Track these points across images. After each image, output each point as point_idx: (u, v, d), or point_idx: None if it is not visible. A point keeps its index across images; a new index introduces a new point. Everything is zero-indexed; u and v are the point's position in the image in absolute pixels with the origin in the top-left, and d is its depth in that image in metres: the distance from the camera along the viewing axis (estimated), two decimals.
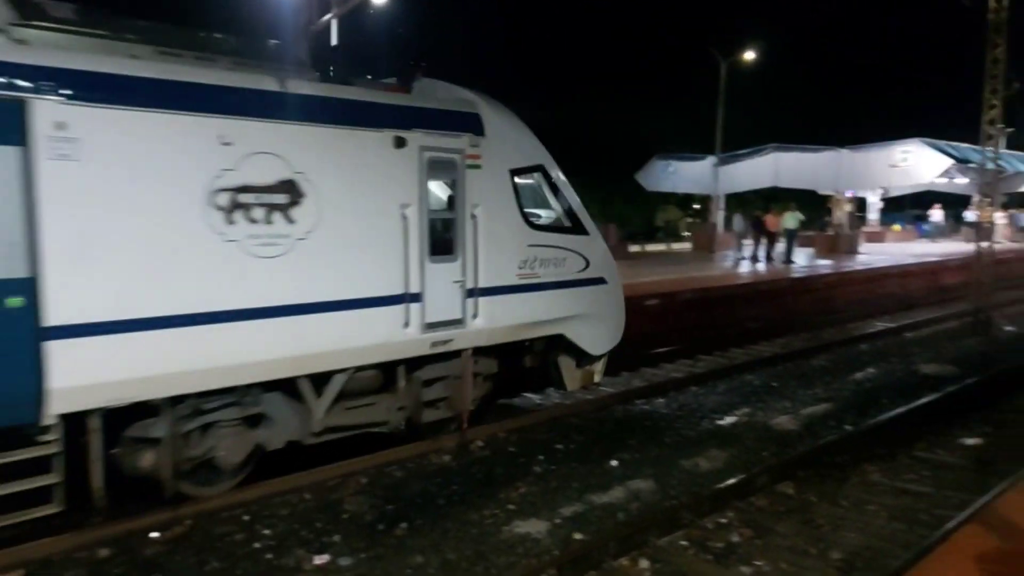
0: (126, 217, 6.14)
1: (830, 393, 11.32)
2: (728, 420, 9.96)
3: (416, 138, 7.92)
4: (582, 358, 9.84)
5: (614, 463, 8.43)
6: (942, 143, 36.61)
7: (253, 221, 6.79)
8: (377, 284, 7.68)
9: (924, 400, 10.42)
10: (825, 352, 14.33)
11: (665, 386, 11.55)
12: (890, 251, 29.63)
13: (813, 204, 37.21)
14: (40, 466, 6.03)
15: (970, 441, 9.01)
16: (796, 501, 7.40)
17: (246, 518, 7.02)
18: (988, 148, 17.57)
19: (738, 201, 37.16)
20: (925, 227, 40.78)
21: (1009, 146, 27.87)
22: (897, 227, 41.52)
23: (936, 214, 40.92)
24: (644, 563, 6.24)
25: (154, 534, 6.61)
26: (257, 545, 6.53)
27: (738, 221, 27.29)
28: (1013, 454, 8.29)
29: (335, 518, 7.10)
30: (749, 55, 34.52)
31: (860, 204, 37.06)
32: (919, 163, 39.13)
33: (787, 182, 33.31)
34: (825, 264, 23.98)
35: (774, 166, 33.26)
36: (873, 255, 27.36)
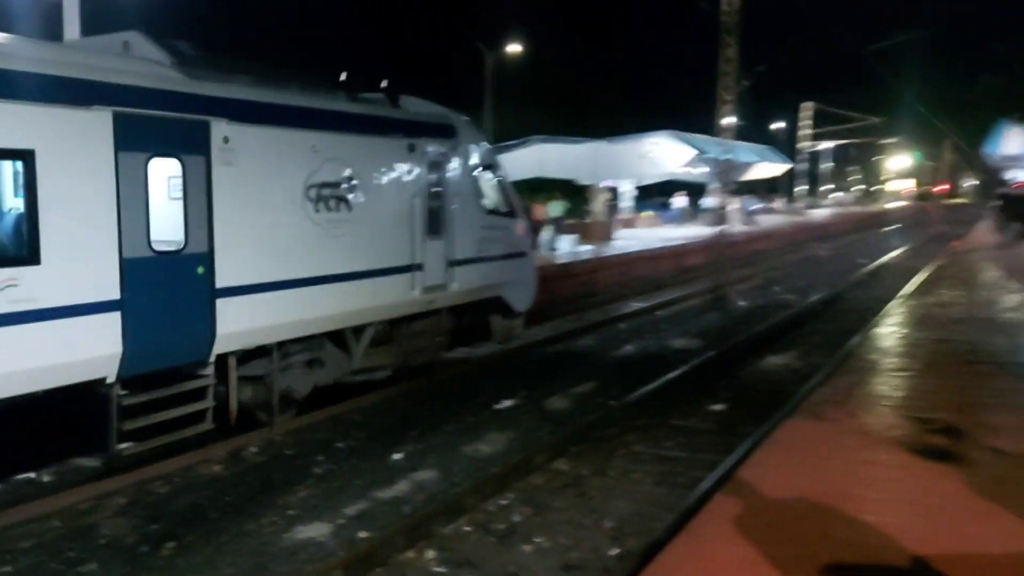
0: (258, 206, 8.26)
1: (595, 371, 12.05)
2: (506, 404, 10.26)
3: (421, 144, 10.34)
4: (507, 316, 12.44)
5: (397, 456, 8.37)
6: (687, 135, 40.24)
7: (328, 209, 9.00)
8: (398, 256, 10.00)
9: (675, 373, 11.40)
10: (589, 333, 15.23)
11: (445, 374, 11.65)
12: (641, 236, 32.11)
13: (575, 193, 39.37)
14: (197, 395, 7.99)
15: (716, 407, 10.00)
16: (570, 476, 7.78)
17: None
18: (723, 140, 19.57)
19: None
20: (670, 213, 44.70)
21: (743, 136, 31.25)
22: (647, 214, 45.11)
23: (679, 201, 45.00)
24: (430, 553, 6.25)
25: None
26: None
27: None
28: (750, 416, 9.31)
29: (90, 545, 6.41)
30: (513, 48, 35.71)
31: (616, 193, 39.77)
32: (666, 154, 42.72)
33: (551, 172, 34.97)
34: (586, 250, 25.46)
35: (539, 157, 34.78)
36: (627, 240, 29.50)
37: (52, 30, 15.81)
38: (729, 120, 19.29)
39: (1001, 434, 6.33)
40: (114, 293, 6.98)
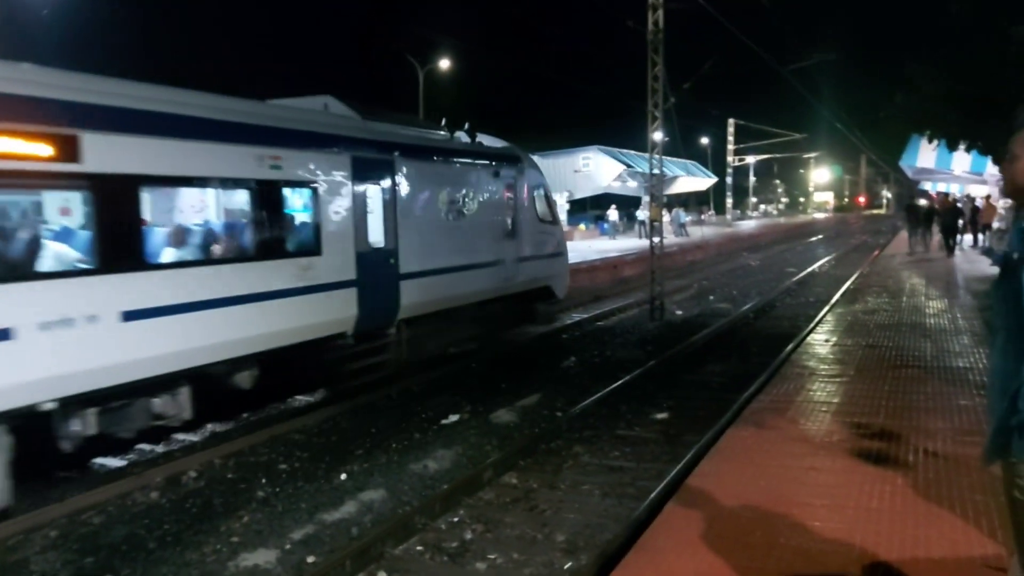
0: (417, 216, 11.60)
1: (540, 383, 12.06)
2: (452, 418, 10.19)
3: (500, 170, 14.09)
4: (548, 301, 16.05)
5: (343, 476, 8.21)
6: (615, 150, 41.01)
7: (451, 219, 12.47)
8: (489, 254, 13.48)
9: (619, 383, 11.51)
10: (531, 344, 15.27)
11: (388, 390, 11.50)
12: (578, 248, 32.38)
13: None
14: (381, 349, 11.22)
15: (660, 416, 10.11)
16: (520, 490, 7.75)
17: None
18: (654, 156, 19.92)
19: None
20: (605, 226, 45.37)
21: (672, 152, 31.91)
22: (583, 227, 45.68)
23: (612, 214, 45.75)
24: (381, 575, 6.14)
25: None
26: None
27: None
28: (694, 425, 9.46)
29: None
30: (445, 63, 35.83)
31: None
32: (598, 169, 43.21)
33: None
34: None
35: None
36: None
37: None
38: (657, 136, 19.64)
39: (934, 437, 6.60)
40: (352, 275, 10.28)
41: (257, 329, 8.86)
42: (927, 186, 34.38)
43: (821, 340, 11.52)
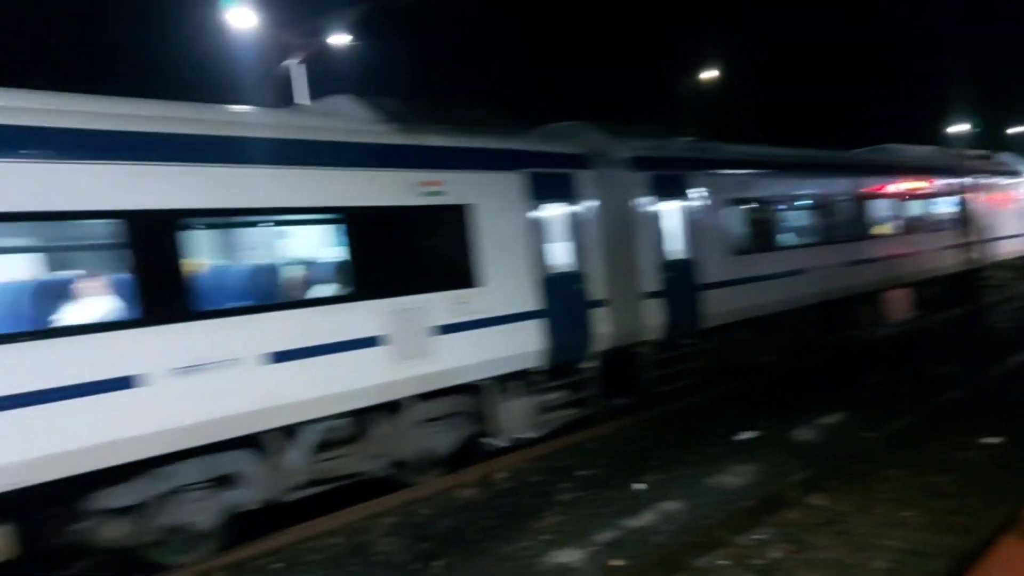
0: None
1: (841, 400, 11.27)
2: (745, 435, 9.93)
3: None
4: None
5: (640, 485, 8.37)
6: None
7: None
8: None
9: (936, 401, 10.47)
10: (826, 358, 14.36)
11: (675, 405, 11.53)
12: None
13: None
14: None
15: (989, 440, 8.97)
16: (829, 512, 7.33)
17: (278, 566, 6.89)
18: None
19: None
20: None
21: None
22: None
23: None
24: None
25: None
26: None
27: None
28: None
29: (368, 560, 7.02)
30: (709, 74, 34.89)
31: None
32: None
33: None
34: None
35: None
36: None
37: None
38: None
39: None
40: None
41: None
42: None
43: None
